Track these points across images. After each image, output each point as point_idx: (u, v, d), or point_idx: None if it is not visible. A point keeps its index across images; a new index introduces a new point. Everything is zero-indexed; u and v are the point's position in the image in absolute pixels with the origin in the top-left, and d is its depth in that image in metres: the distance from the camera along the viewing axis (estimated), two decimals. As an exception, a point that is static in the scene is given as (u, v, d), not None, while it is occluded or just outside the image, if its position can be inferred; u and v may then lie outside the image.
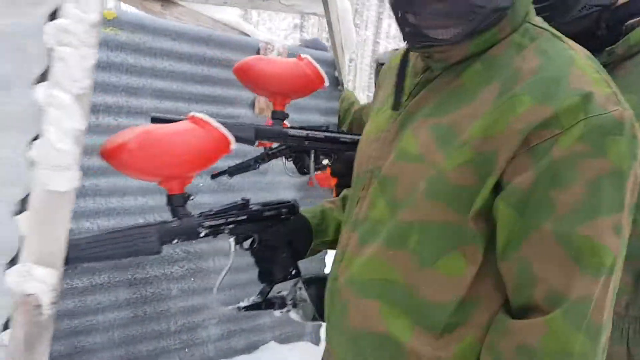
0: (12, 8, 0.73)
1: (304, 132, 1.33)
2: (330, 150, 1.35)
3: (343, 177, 1.31)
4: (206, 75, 2.34)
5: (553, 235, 0.74)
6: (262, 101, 2.57)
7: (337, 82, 2.70)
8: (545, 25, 0.85)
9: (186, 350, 2.68)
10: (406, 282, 0.85)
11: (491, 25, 0.82)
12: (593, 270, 0.73)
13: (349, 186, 1.30)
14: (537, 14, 0.90)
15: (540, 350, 0.74)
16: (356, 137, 1.40)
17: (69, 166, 0.76)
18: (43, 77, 0.74)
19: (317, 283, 1.13)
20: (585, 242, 0.73)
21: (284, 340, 2.92)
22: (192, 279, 2.58)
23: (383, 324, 0.87)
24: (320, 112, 2.80)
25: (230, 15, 3.06)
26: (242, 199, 1.07)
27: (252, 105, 2.58)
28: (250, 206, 1.07)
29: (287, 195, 2.67)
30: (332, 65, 2.74)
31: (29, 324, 0.76)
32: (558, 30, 0.88)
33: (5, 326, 0.77)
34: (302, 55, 1.42)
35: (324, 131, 1.38)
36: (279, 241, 1.08)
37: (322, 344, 3.07)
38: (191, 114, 1.00)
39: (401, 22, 0.86)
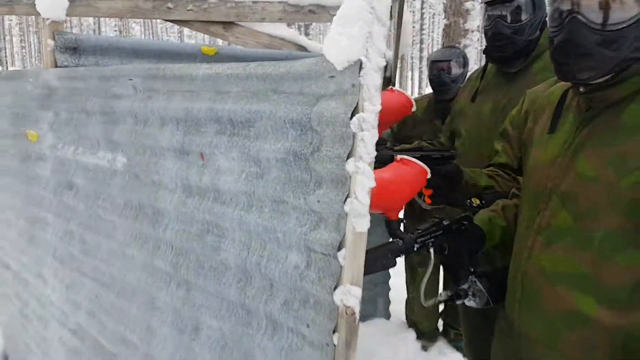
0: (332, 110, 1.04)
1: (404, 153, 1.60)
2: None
3: (439, 189, 1.56)
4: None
5: None
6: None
7: (388, 82, 3.00)
8: None
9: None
10: (592, 273, 1.17)
11: (635, 73, 1.14)
12: None
13: (443, 196, 1.58)
14: None
15: None
16: (444, 152, 1.69)
17: (366, 214, 1.06)
18: (349, 154, 1.04)
19: (487, 277, 1.45)
20: None
21: (360, 318, 3.26)
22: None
23: (573, 304, 1.20)
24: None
25: (287, 30, 3.33)
26: (437, 217, 1.39)
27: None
28: (443, 222, 1.38)
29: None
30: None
31: (348, 328, 1.08)
32: None
33: (334, 330, 1.08)
34: (393, 88, 1.72)
35: (420, 150, 1.67)
36: (463, 251, 1.40)
37: (393, 319, 3.44)
38: (399, 156, 1.31)
39: (557, 68, 1.19)
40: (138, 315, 1.63)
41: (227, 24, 3.22)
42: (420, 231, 1.34)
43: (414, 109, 1.85)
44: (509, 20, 2.00)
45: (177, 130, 1.40)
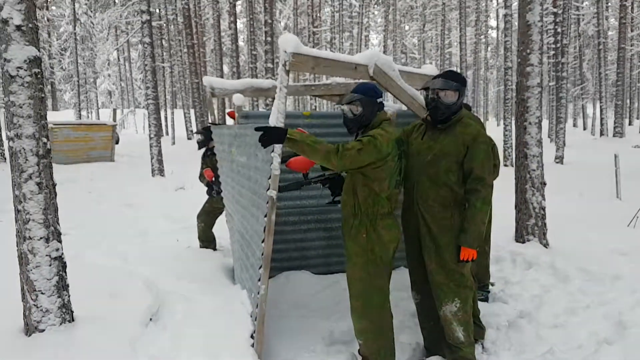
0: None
1: None
2: None
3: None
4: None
5: None
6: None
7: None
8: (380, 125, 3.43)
9: (353, 263, 5.47)
10: (350, 191, 3.49)
11: (364, 126, 3.45)
12: None
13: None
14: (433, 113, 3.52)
15: None
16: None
17: (277, 168, 3.59)
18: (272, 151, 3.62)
19: None
20: None
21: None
22: (353, 228, 5.37)
23: (348, 198, 3.52)
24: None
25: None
26: (323, 174, 3.81)
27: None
28: (325, 175, 3.79)
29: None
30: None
31: (271, 202, 3.62)
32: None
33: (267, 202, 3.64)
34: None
35: None
36: (335, 186, 3.78)
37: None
38: (309, 154, 3.80)
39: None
40: (250, 219, 4.41)
41: (341, 95, 5.89)
42: (314, 177, 3.79)
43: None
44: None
45: (252, 148, 4.14)
